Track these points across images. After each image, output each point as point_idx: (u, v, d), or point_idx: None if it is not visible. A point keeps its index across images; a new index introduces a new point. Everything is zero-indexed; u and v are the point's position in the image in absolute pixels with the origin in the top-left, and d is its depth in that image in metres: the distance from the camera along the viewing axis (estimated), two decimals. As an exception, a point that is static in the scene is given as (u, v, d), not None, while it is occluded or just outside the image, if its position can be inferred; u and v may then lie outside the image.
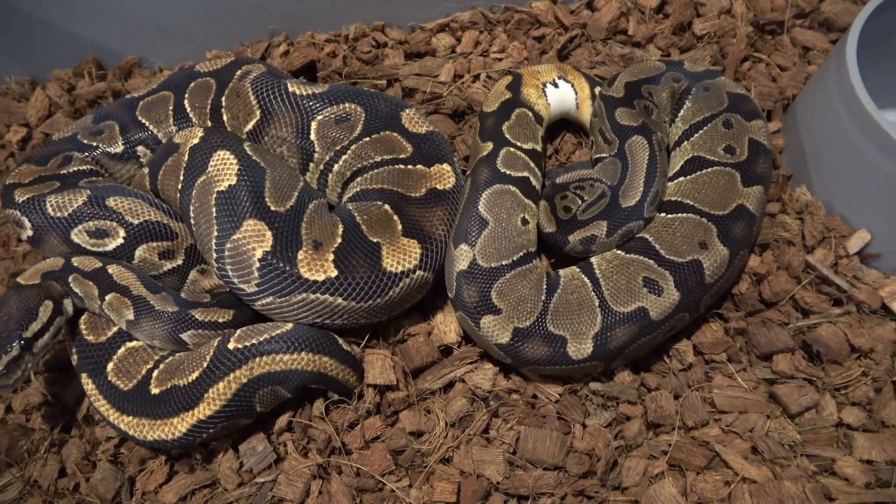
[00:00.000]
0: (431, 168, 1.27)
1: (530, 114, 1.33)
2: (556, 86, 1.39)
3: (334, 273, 1.12)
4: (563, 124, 1.49)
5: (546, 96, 1.37)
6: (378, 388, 1.22)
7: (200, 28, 1.68)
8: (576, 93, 1.39)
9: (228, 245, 1.14)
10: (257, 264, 1.11)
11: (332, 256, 1.13)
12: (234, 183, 1.16)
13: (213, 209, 1.16)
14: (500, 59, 1.61)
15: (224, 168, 1.18)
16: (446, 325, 1.26)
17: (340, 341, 1.19)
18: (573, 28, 1.64)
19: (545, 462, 1.11)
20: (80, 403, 1.28)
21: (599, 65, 1.58)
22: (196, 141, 1.24)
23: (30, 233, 1.24)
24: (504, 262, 1.13)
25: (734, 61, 1.51)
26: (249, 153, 1.22)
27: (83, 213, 1.22)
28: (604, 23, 1.61)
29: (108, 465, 1.21)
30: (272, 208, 1.16)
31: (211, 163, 1.19)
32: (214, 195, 1.16)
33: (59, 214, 1.22)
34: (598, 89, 1.40)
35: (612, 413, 1.17)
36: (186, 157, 1.23)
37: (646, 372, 1.21)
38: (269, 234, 1.13)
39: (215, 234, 1.15)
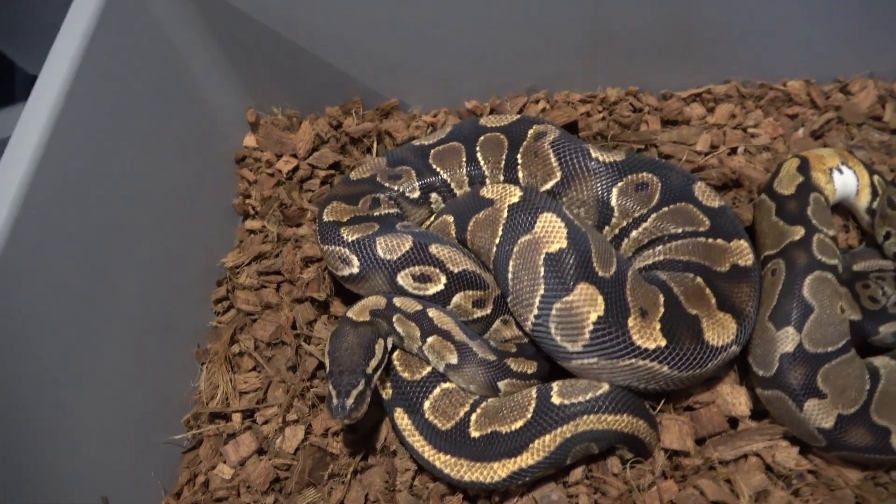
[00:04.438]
0: (731, 243, 1.33)
1: (822, 198, 1.38)
2: (840, 172, 1.43)
3: (664, 342, 1.18)
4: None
5: (833, 181, 1.42)
6: (670, 453, 1.27)
7: (460, 79, 1.78)
8: (857, 180, 1.44)
9: (558, 305, 1.20)
10: (590, 327, 1.18)
11: (659, 325, 1.19)
12: (564, 246, 1.23)
13: (542, 269, 1.23)
14: (758, 135, 1.66)
15: (553, 230, 1.25)
16: (735, 398, 1.31)
17: (647, 405, 1.25)
18: (827, 110, 1.69)
19: (853, 546, 1.15)
20: (376, 433, 1.36)
21: (857, 149, 1.62)
22: (515, 200, 1.32)
23: (355, 270, 1.33)
24: (830, 349, 1.17)
25: None
26: (571, 217, 1.29)
27: (410, 257, 1.31)
28: (862, 108, 1.65)
29: (409, 496, 1.28)
30: (600, 274, 1.22)
31: (538, 224, 1.26)
32: (543, 255, 1.23)
33: (388, 257, 1.31)
34: (876, 178, 1.45)
35: (907, 503, 1.20)
36: (506, 215, 1.31)
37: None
38: (600, 298, 1.19)
39: (542, 292, 1.22)
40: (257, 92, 1.80)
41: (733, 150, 1.65)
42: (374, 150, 1.77)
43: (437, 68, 1.76)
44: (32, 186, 1.14)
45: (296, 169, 1.75)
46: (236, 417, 1.42)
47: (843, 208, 1.52)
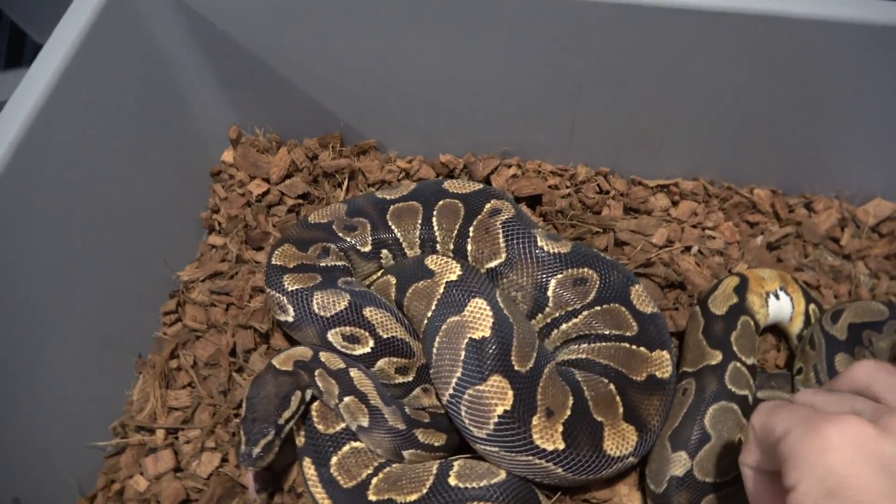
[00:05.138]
0: (653, 353, 1.37)
1: (752, 323, 1.42)
2: (777, 297, 1.47)
3: (562, 446, 1.23)
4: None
5: (767, 306, 1.46)
6: (559, 543, 1.33)
7: (439, 131, 1.81)
8: (793, 307, 1.47)
9: (470, 391, 1.25)
10: (496, 419, 1.23)
11: (561, 428, 1.24)
12: (487, 335, 1.27)
13: (462, 353, 1.27)
14: (714, 238, 1.70)
15: (480, 317, 1.30)
16: (630, 500, 1.36)
17: (541, 497, 1.30)
18: (788, 223, 1.71)
19: None
20: (287, 473, 1.42)
21: (807, 268, 1.65)
22: (454, 278, 1.36)
23: (290, 319, 1.38)
24: (718, 480, 1.22)
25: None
26: (501, 306, 1.33)
27: (342, 317, 1.35)
28: (822, 228, 1.68)
29: (306, 541, 1.35)
30: (516, 368, 1.27)
31: (468, 308, 1.31)
32: (466, 340, 1.28)
33: (322, 314, 1.36)
34: (812, 307, 1.48)
35: None
36: (442, 290, 1.36)
37: None
38: (510, 393, 1.24)
39: (458, 375, 1.27)
40: (243, 110, 1.84)
41: (687, 248, 1.68)
42: (345, 187, 1.81)
43: (419, 118, 1.79)
44: (11, 167, 1.19)
45: (266, 193, 1.79)
46: (160, 433, 1.48)
47: (778, 328, 1.56)
